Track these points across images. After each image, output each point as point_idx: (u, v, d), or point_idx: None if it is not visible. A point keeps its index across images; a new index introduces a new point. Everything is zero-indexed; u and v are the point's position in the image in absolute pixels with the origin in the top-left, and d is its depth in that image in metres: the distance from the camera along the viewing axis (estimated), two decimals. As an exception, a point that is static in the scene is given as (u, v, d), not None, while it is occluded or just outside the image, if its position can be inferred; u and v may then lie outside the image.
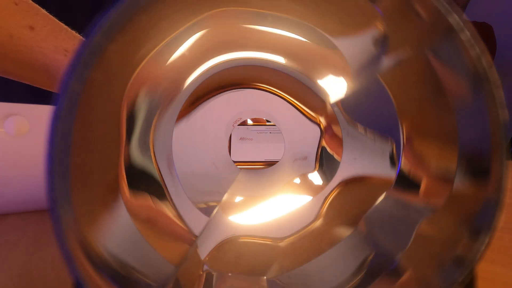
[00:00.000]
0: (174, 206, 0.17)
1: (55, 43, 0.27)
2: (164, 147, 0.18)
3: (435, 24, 0.10)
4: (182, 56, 0.16)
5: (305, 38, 0.17)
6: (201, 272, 0.15)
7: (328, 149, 0.21)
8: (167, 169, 0.18)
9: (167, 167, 0.18)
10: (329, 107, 0.20)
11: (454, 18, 0.10)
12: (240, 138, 0.49)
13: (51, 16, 0.28)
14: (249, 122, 0.50)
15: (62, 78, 0.09)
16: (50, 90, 0.30)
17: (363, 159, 0.19)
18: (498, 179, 0.10)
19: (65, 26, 0.29)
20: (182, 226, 0.17)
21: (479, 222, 0.10)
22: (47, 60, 0.27)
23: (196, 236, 0.17)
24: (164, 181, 0.17)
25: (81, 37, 0.29)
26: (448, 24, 0.10)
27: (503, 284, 0.19)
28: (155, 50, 0.14)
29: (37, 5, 0.28)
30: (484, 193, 0.10)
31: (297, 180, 0.24)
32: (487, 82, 0.10)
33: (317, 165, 0.22)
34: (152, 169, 0.17)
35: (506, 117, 0.10)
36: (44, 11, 0.28)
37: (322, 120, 0.22)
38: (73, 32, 0.29)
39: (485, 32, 1.04)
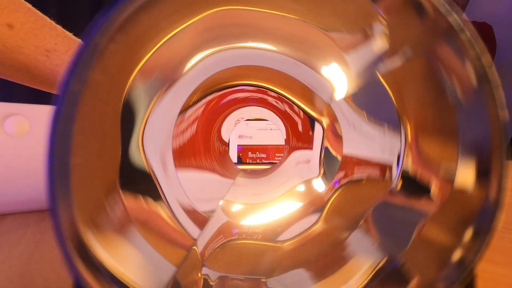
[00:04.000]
0: (169, 207, 0.17)
1: (36, 43, 0.26)
2: (159, 146, 0.18)
3: (435, 24, 0.10)
4: (181, 56, 0.16)
5: (306, 37, 0.17)
6: (201, 273, 0.15)
7: (331, 150, 0.21)
8: (163, 170, 0.18)
9: (163, 167, 0.18)
10: (330, 106, 0.20)
11: (454, 18, 0.10)
12: (239, 136, 0.48)
13: (34, 10, 0.27)
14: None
15: (62, 78, 0.09)
16: (38, 89, 0.29)
17: (366, 157, 0.19)
18: (498, 179, 0.10)
19: (49, 21, 0.27)
20: (178, 228, 0.17)
21: (479, 222, 0.10)
22: (28, 61, 0.26)
23: (193, 239, 0.17)
24: (159, 182, 0.17)
25: (65, 33, 0.28)
26: (448, 24, 0.10)
27: (503, 284, 0.18)
28: (154, 50, 0.14)
29: (20, 1, 0.26)
30: (484, 193, 0.10)
31: (300, 187, 0.24)
32: (487, 82, 0.10)
33: (322, 170, 0.22)
34: (150, 169, 0.17)
35: (506, 117, 0.10)
36: (26, 5, 0.26)
37: (325, 120, 0.22)
38: (58, 27, 0.28)
39: (485, 32, 1.04)
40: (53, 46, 0.27)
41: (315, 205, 0.20)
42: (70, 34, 0.28)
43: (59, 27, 0.28)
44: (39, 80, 0.27)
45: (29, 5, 0.27)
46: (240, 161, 0.49)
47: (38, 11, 0.27)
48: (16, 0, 0.26)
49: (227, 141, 0.38)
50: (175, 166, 0.19)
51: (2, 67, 0.27)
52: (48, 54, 0.27)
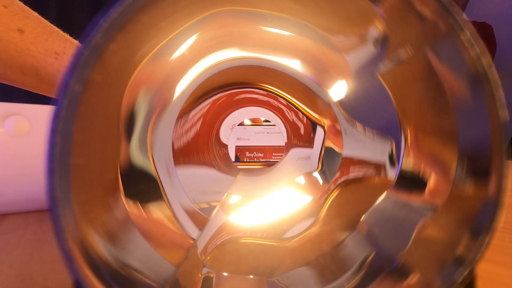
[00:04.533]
0: (170, 207, 0.17)
1: (45, 46, 0.27)
2: (163, 146, 0.18)
3: (435, 24, 0.10)
4: (181, 56, 0.16)
5: (305, 38, 0.17)
6: (201, 273, 0.15)
7: (334, 147, 0.21)
8: (165, 169, 0.18)
9: (165, 167, 0.18)
10: (330, 107, 0.20)
11: (454, 18, 0.10)
12: (237, 138, 0.49)
13: (42, 18, 0.28)
14: (246, 122, 0.50)
15: (62, 78, 0.09)
16: (41, 94, 0.30)
17: (362, 158, 0.19)
18: (498, 179, 0.10)
19: (57, 29, 0.29)
20: (178, 229, 0.17)
21: (479, 222, 0.10)
22: (37, 63, 0.27)
23: (192, 239, 0.17)
24: (161, 182, 0.17)
25: (72, 39, 0.29)
26: (448, 24, 0.10)
27: (503, 284, 0.18)
28: (155, 50, 0.14)
29: (27, 8, 0.27)
30: (484, 193, 0.10)
31: (299, 179, 0.24)
32: (487, 82, 0.10)
33: (320, 165, 0.22)
34: (151, 169, 0.17)
35: (506, 117, 0.10)
36: (35, 13, 0.28)
37: (325, 121, 0.22)
38: (65, 34, 0.29)
39: (485, 32, 1.04)
40: (62, 49, 0.28)
41: (314, 204, 0.20)
42: (77, 41, 0.29)
43: (66, 34, 0.29)
44: (46, 81, 0.28)
45: (37, 14, 0.28)
46: (238, 160, 0.49)
47: (46, 20, 0.28)
48: (26, 8, 0.27)
49: (227, 143, 0.38)
50: (179, 165, 0.19)
51: (10, 71, 0.28)
52: (57, 57, 0.28)
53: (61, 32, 0.29)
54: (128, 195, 0.14)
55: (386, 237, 0.15)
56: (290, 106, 0.25)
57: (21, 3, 0.27)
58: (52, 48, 0.27)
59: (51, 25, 0.28)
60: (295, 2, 0.15)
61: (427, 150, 0.14)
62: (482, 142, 0.10)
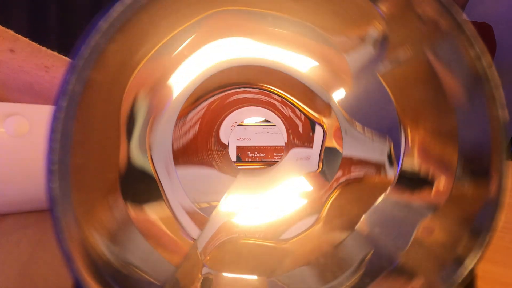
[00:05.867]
0: (170, 207, 0.17)
1: (36, 61, 0.30)
2: (163, 147, 0.18)
3: (435, 24, 0.10)
4: (181, 56, 0.16)
5: (305, 38, 0.17)
6: (201, 273, 0.15)
7: (335, 148, 0.21)
8: (165, 170, 0.18)
9: (164, 167, 0.18)
10: (330, 106, 0.20)
11: (454, 18, 0.10)
12: (238, 138, 0.49)
13: (30, 41, 0.31)
14: (246, 122, 0.50)
15: (62, 78, 0.09)
16: None
17: (362, 158, 0.19)
18: (498, 179, 0.10)
19: (45, 48, 0.32)
20: (177, 228, 0.17)
21: (479, 222, 0.10)
22: (31, 78, 0.30)
23: (192, 239, 0.17)
24: (160, 182, 0.17)
25: (60, 55, 0.32)
26: (448, 24, 0.10)
27: (503, 284, 0.18)
28: (154, 50, 0.14)
29: (18, 35, 0.30)
30: (484, 193, 0.10)
31: (299, 180, 0.24)
32: (487, 82, 0.10)
33: (320, 165, 0.22)
34: (151, 169, 0.17)
35: (506, 117, 0.10)
36: (24, 38, 0.31)
37: (325, 120, 0.22)
38: (53, 52, 0.32)
39: (485, 32, 1.04)
40: (51, 63, 0.31)
41: (315, 204, 0.20)
42: (65, 57, 0.33)
43: (54, 52, 0.32)
44: (42, 96, 0.31)
45: (27, 39, 0.32)
46: (240, 160, 0.49)
47: (34, 43, 0.32)
48: (16, 35, 0.31)
49: (227, 143, 0.38)
50: (178, 165, 0.19)
51: (7, 92, 0.30)
52: (47, 70, 0.30)
53: (49, 50, 0.32)
54: (128, 195, 0.14)
55: (386, 237, 0.15)
56: (292, 108, 0.25)
57: (12, 32, 0.30)
58: (42, 62, 0.30)
59: (39, 46, 0.31)
60: (295, 2, 0.15)
61: (427, 150, 0.14)
62: (482, 142, 0.10)
